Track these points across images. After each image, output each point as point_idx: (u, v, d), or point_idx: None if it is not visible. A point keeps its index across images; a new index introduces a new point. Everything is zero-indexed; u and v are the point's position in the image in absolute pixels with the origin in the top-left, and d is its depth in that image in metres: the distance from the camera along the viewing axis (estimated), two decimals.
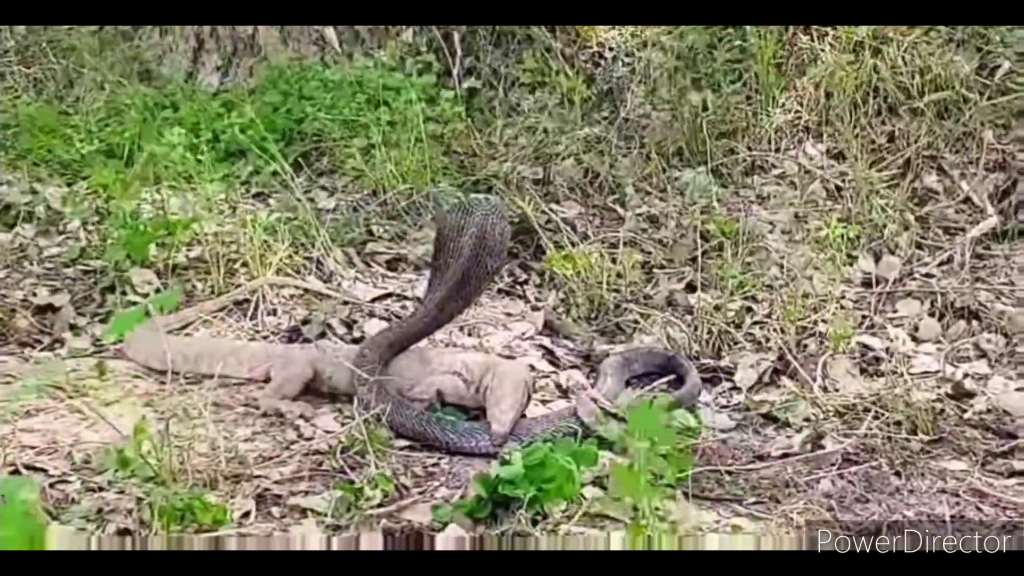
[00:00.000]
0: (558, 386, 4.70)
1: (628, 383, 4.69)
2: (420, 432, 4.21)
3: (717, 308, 4.99)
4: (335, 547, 3.30)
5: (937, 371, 4.75)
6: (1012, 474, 4.06)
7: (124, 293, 5.12)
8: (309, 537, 3.43)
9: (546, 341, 5.01)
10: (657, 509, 3.46)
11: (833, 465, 4.06)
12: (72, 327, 4.96)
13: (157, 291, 5.09)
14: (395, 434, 4.20)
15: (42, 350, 4.84)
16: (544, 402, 4.57)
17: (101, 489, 3.82)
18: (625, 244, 5.41)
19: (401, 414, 4.23)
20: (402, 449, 4.16)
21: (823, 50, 6.40)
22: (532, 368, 4.68)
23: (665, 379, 4.71)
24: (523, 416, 4.26)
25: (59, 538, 3.35)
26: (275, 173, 5.86)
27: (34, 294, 5.11)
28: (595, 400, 4.29)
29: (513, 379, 4.31)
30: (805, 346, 4.82)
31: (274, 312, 5.09)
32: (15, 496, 3.19)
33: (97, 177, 5.76)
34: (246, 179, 6.11)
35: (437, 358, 4.51)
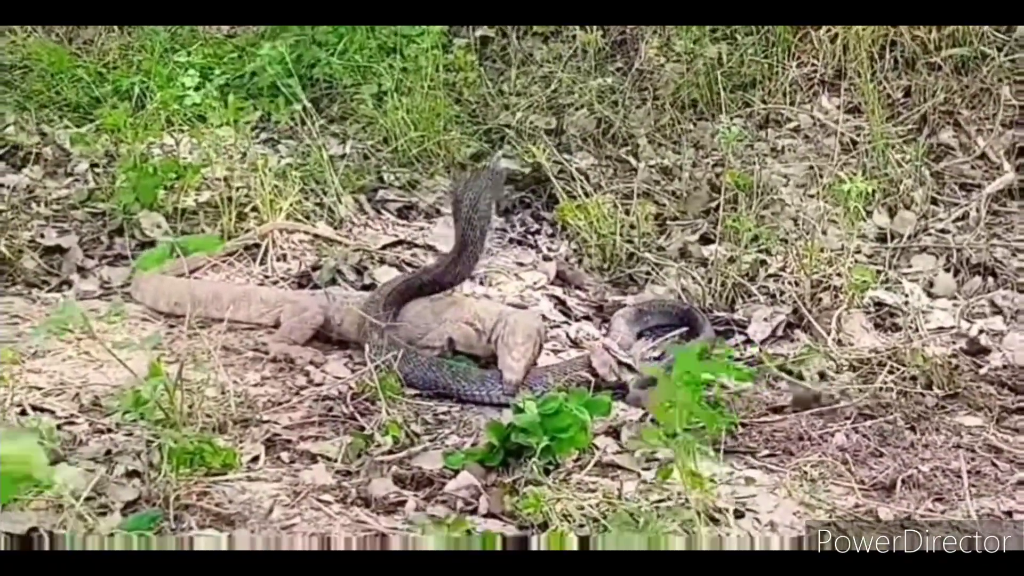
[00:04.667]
0: (569, 336, 4.67)
1: (641, 335, 4.66)
2: (431, 380, 4.18)
3: (731, 260, 4.95)
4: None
5: (952, 327, 4.72)
6: None
7: (132, 236, 5.09)
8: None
9: (558, 291, 4.98)
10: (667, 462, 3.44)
11: (847, 419, 4.03)
12: (80, 269, 4.94)
13: (166, 235, 5.06)
14: (406, 382, 4.16)
15: (50, 291, 4.81)
16: (555, 352, 4.54)
17: (109, 431, 3.79)
18: (638, 195, 5.35)
19: (412, 362, 4.20)
20: (413, 397, 4.14)
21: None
22: (544, 318, 4.65)
23: (678, 331, 4.67)
24: (534, 365, 4.24)
25: (66, 479, 3.33)
26: (292, 116, 5.82)
27: (42, 235, 5.09)
28: (608, 349, 4.25)
29: (525, 328, 4.27)
30: (819, 299, 4.77)
31: (284, 258, 5.06)
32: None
33: (108, 118, 5.71)
34: (256, 124, 6.06)
35: (449, 307, 4.48)
